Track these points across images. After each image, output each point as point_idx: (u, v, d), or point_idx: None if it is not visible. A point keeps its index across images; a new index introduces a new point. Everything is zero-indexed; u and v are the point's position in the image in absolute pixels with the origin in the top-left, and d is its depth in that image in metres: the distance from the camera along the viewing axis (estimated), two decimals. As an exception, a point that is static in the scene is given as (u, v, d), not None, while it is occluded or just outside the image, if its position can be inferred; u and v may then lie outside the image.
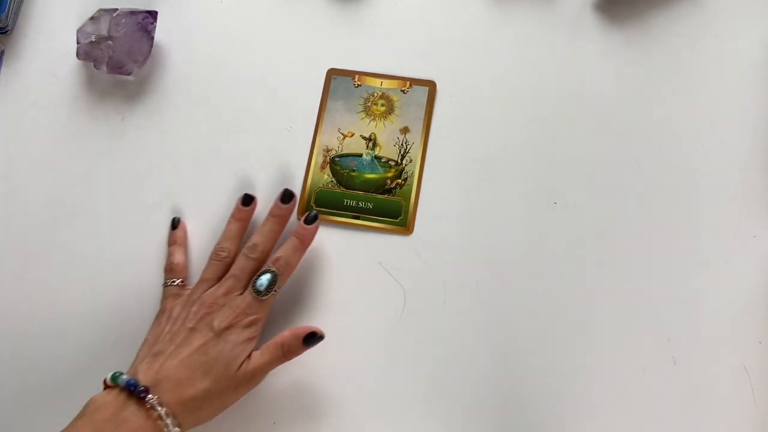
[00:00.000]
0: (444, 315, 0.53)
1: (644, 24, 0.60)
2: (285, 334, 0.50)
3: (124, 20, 0.60)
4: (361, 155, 0.58)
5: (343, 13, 0.63)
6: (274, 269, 0.51)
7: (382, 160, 0.58)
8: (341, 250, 0.56)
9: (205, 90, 0.61)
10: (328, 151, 0.58)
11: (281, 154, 0.59)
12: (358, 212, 0.56)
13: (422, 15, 0.62)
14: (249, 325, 0.49)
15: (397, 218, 0.56)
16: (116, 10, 0.61)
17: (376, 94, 0.59)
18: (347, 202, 0.56)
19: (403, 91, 0.59)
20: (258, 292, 0.50)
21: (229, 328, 0.48)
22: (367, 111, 0.59)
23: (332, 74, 0.60)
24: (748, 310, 0.51)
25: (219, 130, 0.60)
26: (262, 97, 0.61)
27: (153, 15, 0.61)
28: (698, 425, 0.49)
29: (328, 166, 0.58)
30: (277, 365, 0.50)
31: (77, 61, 0.62)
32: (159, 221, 0.58)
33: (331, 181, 0.57)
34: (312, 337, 0.50)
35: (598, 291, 0.53)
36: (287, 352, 0.50)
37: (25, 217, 0.59)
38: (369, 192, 0.57)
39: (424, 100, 0.59)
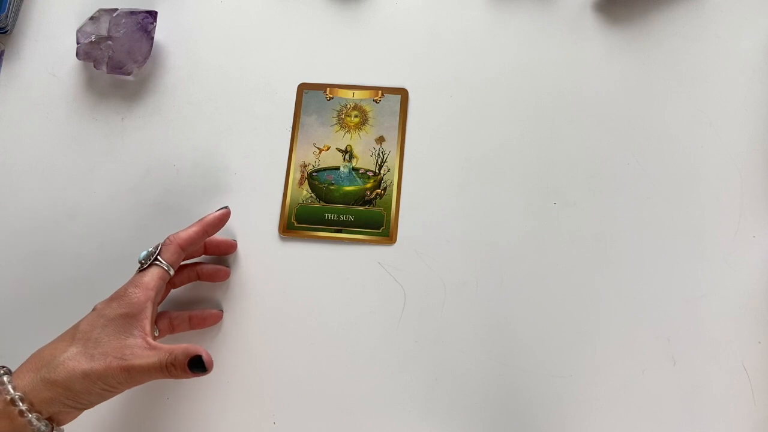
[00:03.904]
0: (443, 315, 0.53)
1: (644, 24, 0.60)
2: (180, 345, 0.46)
3: (124, 20, 0.60)
4: (338, 168, 0.58)
5: (343, 14, 0.63)
6: (159, 243, 0.50)
7: (360, 172, 0.58)
8: (337, 254, 0.56)
9: (205, 90, 0.61)
10: (304, 166, 0.58)
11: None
12: (340, 226, 0.56)
13: (424, 16, 0.62)
14: (126, 297, 0.46)
15: (379, 229, 0.56)
16: (116, 10, 0.61)
17: (348, 106, 0.59)
18: (328, 216, 0.56)
19: (375, 101, 0.59)
20: (139, 264, 0.49)
21: (106, 301, 0.47)
22: (341, 123, 0.59)
23: (303, 89, 0.60)
24: (747, 310, 0.51)
25: (219, 130, 0.60)
26: (263, 97, 0.61)
27: (153, 15, 0.61)
28: (698, 425, 0.49)
29: (306, 181, 0.58)
30: (156, 374, 0.45)
31: (77, 61, 0.62)
32: (159, 221, 0.58)
33: (311, 197, 0.57)
34: (197, 363, 0.45)
35: (598, 291, 0.53)
36: (169, 365, 0.44)
37: (25, 217, 0.59)
38: (349, 204, 0.57)
39: (397, 108, 0.59)
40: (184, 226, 0.57)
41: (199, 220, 0.52)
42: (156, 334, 0.51)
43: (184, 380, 0.53)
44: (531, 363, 0.52)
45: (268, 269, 0.55)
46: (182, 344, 0.46)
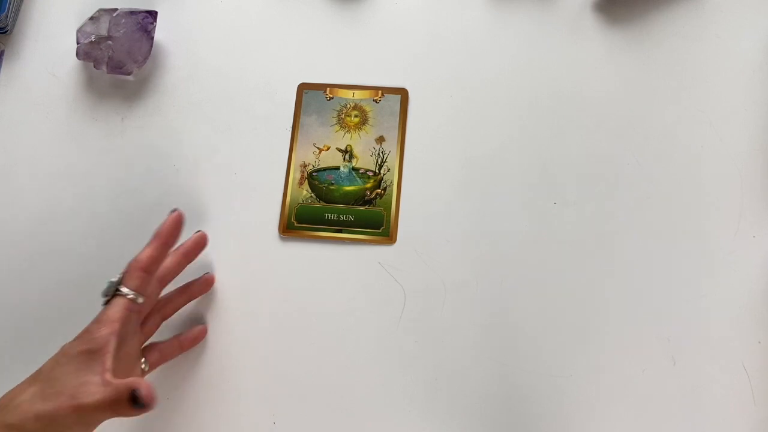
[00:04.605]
0: (443, 315, 0.53)
1: (644, 24, 0.60)
2: (126, 379, 0.41)
3: (123, 20, 0.60)
4: (338, 168, 0.58)
5: (343, 14, 0.63)
6: (120, 273, 0.47)
7: (360, 172, 0.58)
8: (337, 254, 0.56)
9: (205, 90, 0.61)
10: (304, 166, 0.58)
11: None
12: (340, 225, 0.56)
13: (424, 16, 0.62)
14: (88, 333, 0.43)
15: (379, 228, 0.56)
16: (116, 10, 0.61)
17: (348, 106, 0.59)
18: (328, 216, 0.56)
19: (375, 101, 0.59)
20: (103, 298, 0.46)
21: (72, 340, 0.44)
22: (341, 123, 0.59)
23: (303, 89, 0.60)
24: (747, 310, 0.51)
25: (219, 130, 0.60)
26: (263, 98, 0.61)
27: (153, 15, 0.61)
28: (698, 425, 0.49)
29: (306, 181, 0.57)
30: (105, 412, 0.41)
31: (77, 61, 0.62)
32: (159, 221, 0.57)
33: (311, 197, 0.57)
34: (136, 398, 0.40)
35: (598, 291, 0.53)
36: (113, 401, 0.40)
37: (25, 217, 0.59)
38: (349, 204, 0.57)
39: (397, 108, 0.59)
40: (184, 226, 0.57)
41: (154, 234, 0.48)
42: (145, 369, 0.49)
43: (184, 381, 0.53)
44: (531, 363, 0.52)
45: (268, 269, 0.55)
46: (130, 378, 0.41)
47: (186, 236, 0.52)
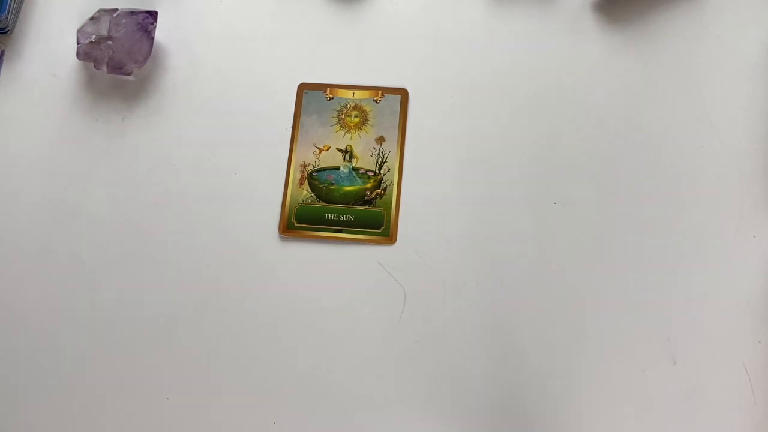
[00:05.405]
0: (443, 315, 0.53)
1: (644, 24, 0.60)
2: None
3: (124, 20, 0.60)
4: (338, 168, 0.58)
5: (343, 14, 0.63)
6: None
7: (360, 172, 0.58)
8: (337, 254, 0.56)
9: (205, 90, 0.61)
10: (304, 166, 0.58)
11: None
12: (340, 225, 0.56)
13: (424, 16, 0.62)
14: None
15: (379, 229, 0.56)
16: (116, 10, 0.61)
17: (348, 106, 0.59)
18: (328, 216, 0.56)
19: (375, 101, 0.59)
20: None
21: None
22: (341, 123, 0.59)
23: (303, 89, 0.60)
24: (748, 310, 0.51)
25: (219, 131, 0.60)
26: (263, 97, 0.61)
27: (153, 15, 0.61)
28: (698, 425, 0.49)
29: (306, 181, 0.58)
30: None
31: (77, 61, 0.62)
32: (159, 221, 0.58)
33: (311, 197, 0.57)
34: None
35: (598, 291, 0.53)
36: None
37: (25, 217, 0.59)
38: (349, 204, 0.57)
39: (397, 108, 0.59)
40: (183, 225, 0.57)
41: None
42: None
43: (184, 381, 0.53)
44: (531, 363, 0.52)
45: (268, 269, 0.55)
46: None
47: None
